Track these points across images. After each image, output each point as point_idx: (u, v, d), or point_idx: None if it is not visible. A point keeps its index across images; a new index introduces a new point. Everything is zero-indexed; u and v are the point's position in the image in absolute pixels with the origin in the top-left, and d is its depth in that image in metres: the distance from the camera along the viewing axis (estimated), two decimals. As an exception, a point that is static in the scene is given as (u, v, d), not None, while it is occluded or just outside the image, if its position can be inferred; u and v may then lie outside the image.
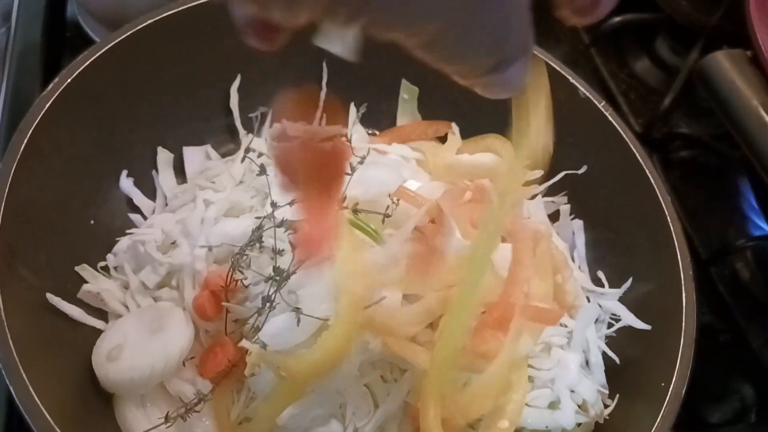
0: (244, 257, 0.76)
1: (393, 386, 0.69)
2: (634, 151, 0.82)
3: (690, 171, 1.15)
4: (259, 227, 0.73)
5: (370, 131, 0.99)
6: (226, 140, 0.94)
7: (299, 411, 0.64)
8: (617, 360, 0.75)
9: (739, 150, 1.10)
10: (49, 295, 0.72)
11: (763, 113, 0.79)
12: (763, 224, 1.06)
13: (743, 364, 0.96)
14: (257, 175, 0.75)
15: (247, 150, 0.85)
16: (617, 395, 0.73)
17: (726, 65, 0.83)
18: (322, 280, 0.67)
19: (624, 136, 0.83)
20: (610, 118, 0.85)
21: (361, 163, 0.74)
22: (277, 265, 0.71)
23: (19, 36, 1.04)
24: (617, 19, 1.25)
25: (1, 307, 0.62)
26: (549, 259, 0.71)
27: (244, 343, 0.65)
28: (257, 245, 0.75)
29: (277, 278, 0.69)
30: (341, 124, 0.94)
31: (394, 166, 0.83)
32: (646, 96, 1.25)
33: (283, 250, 0.73)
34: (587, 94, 0.87)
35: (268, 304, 0.67)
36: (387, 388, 0.69)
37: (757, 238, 1.05)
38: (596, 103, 0.86)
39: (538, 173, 0.87)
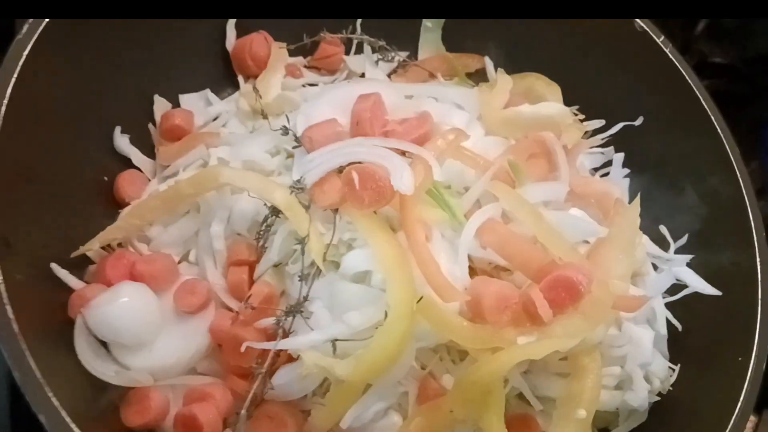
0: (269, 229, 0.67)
1: (453, 366, 0.63)
2: (698, 95, 0.74)
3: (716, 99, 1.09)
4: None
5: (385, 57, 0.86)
6: (226, 84, 0.81)
7: (361, 410, 0.58)
8: (680, 327, 0.71)
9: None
10: (53, 266, 0.62)
11: None
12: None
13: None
14: (293, 148, 0.66)
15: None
16: (678, 365, 0.69)
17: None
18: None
19: (686, 77, 0.75)
20: (671, 56, 0.76)
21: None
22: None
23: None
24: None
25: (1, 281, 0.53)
26: (632, 229, 0.63)
27: (301, 352, 0.57)
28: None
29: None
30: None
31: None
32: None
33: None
34: (644, 26, 0.77)
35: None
36: (445, 367, 0.63)
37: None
38: (655, 37, 0.77)
39: (599, 123, 0.79)
